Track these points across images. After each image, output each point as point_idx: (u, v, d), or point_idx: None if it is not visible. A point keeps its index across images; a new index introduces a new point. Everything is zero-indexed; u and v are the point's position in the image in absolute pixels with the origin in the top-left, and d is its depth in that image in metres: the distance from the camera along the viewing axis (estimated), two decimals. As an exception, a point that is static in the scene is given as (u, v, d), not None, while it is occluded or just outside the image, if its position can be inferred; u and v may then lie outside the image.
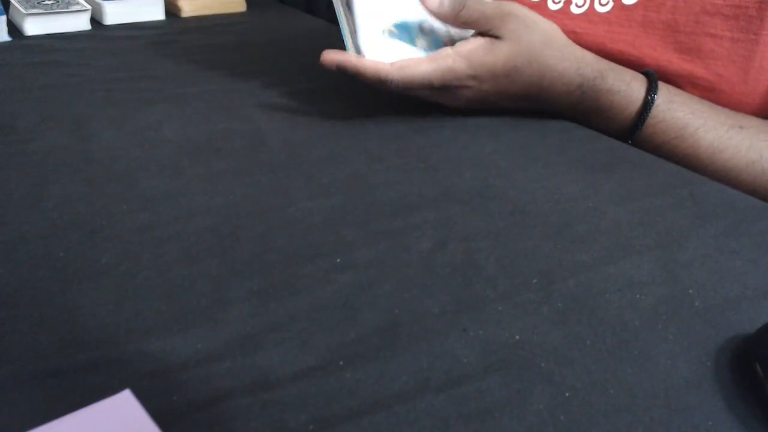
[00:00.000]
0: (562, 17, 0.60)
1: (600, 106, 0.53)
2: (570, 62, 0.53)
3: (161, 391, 0.27)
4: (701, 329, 0.32)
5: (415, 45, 0.55)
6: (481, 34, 0.53)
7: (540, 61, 0.52)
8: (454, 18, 0.53)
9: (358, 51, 0.53)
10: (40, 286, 0.33)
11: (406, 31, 0.55)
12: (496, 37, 0.52)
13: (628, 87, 0.53)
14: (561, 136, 0.54)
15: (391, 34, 0.54)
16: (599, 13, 0.59)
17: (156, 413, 0.24)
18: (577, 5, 0.60)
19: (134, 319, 0.31)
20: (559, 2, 0.61)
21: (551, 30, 0.54)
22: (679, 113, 0.51)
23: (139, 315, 0.31)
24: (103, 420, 0.23)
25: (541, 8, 0.61)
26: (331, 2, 0.56)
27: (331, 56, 0.53)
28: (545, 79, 0.52)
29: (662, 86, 0.53)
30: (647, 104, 0.52)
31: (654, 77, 0.53)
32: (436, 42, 0.56)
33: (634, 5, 0.57)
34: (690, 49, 0.54)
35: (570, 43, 0.54)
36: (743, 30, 0.52)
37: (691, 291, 0.35)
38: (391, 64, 0.51)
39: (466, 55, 0.52)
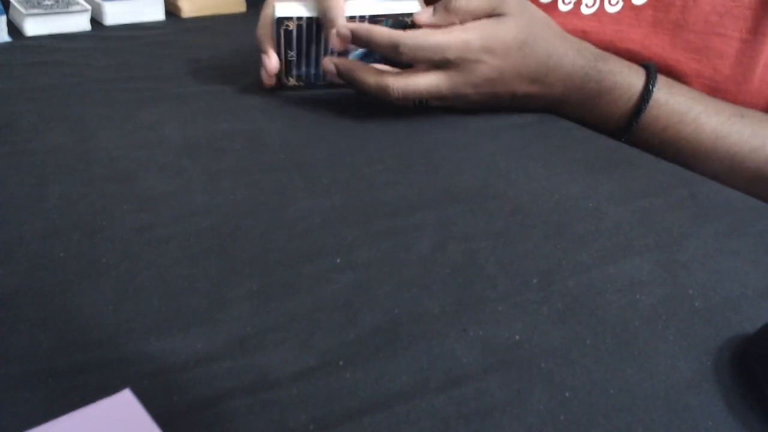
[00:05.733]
0: (572, 18, 0.60)
1: (603, 88, 0.53)
2: (570, 43, 0.53)
3: (161, 391, 0.27)
4: (701, 329, 0.32)
5: None
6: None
7: (544, 37, 0.52)
8: (449, 16, 0.51)
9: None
10: (40, 286, 0.33)
11: None
12: (499, 15, 0.51)
13: (629, 68, 0.53)
14: (561, 136, 0.54)
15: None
16: (609, 13, 0.59)
17: (156, 413, 0.24)
18: (587, 5, 0.60)
19: (134, 319, 0.31)
20: (570, 3, 0.61)
21: (546, 15, 0.54)
22: (681, 98, 0.52)
23: (139, 315, 0.31)
24: (103, 420, 0.23)
25: (551, 9, 0.61)
26: None
27: (329, 64, 0.54)
28: (552, 57, 0.52)
29: (659, 76, 0.53)
30: (649, 88, 0.52)
31: (653, 68, 0.53)
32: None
33: (644, 5, 0.57)
34: (698, 48, 0.55)
35: (564, 31, 0.55)
36: (751, 31, 0.52)
37: (691, 291, 0.35)
38: (394, 75, 0.51)
39: (476, 27, 0.50)
